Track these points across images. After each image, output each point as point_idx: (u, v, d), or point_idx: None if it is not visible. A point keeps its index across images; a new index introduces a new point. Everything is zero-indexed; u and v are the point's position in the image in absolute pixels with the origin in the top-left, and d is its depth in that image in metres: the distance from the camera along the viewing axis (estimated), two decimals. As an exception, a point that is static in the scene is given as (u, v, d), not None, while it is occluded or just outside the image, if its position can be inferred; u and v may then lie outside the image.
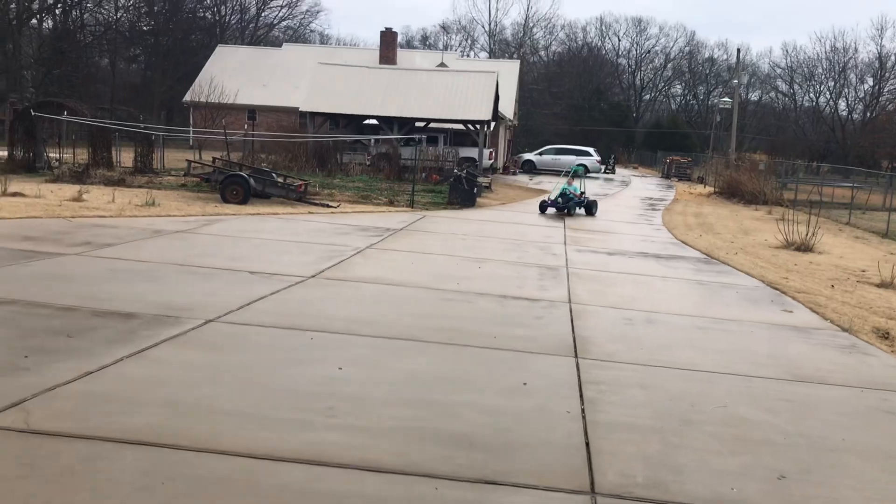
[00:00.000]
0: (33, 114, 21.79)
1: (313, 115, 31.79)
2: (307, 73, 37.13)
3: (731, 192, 32.44)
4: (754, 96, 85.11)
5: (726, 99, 50.90)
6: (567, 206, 20.76)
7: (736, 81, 50.74)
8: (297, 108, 34.04)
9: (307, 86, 34.31)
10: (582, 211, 21.17)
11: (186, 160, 20.74)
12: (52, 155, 22.81)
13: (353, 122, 33.29)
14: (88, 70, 54.84)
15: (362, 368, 6.17)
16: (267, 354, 6.38)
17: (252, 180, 17.89)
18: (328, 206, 18.30)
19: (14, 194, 15.67)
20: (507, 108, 43.70)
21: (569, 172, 23.06)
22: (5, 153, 22.01)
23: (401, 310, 8.34)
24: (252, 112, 44.19)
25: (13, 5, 47.64)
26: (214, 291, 8.51)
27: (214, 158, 21.42)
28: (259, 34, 74.87)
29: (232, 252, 11.25)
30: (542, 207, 20.98)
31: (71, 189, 17.06)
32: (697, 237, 17.81)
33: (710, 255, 14.85)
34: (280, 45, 57.05)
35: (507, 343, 7.23)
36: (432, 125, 32.91)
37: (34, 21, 53.11)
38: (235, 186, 17.62)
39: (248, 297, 8.28)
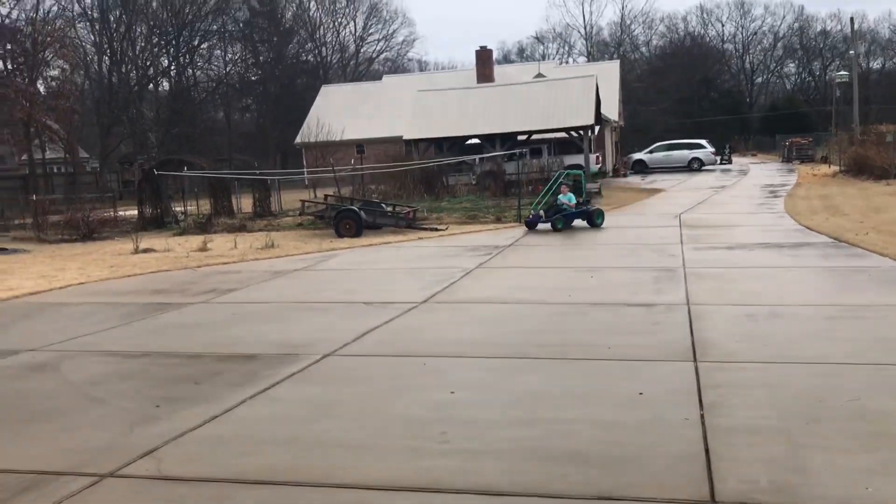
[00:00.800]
0: (156, 173, 23.19)
1: (417, 142, 32.30)
2: (408, 102, 37.75)
3: (859, 169, 30.75)
4: (876, 64, 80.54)
5: (843, 72, 48.38)
6: (551, 220, 17.47)
7: (853, 52, 48.11)
8: (402, 136, 34.63)
9: (408, 114, 34.92)
10: (584, 223, 17.78)
11: (300, 200, 21.52)
12: (177, 209, 24.16)
13: (456, 144, 33.59)
14: (205, 124, 57.96)
15: (474, 391, 6.19)
16: (381, 384, 6.50)
17: (363, 213, 18.37)
18: (436, 229, 18.53)
19: (145, 250, 16.70)
20: (611, 110, 43.03)
21: (567, 176, 19.69)
22: (136, 212, 23.50)
23: (512, 328, 8.32)
24: (360, 146, 45.20)
25: (133, 73, 50.93)
26: (331, 325, 8.76)
27: (326, 196, 22.09)
28: (360, 69, 76.99)
29: (347, 285, 11.55)
30: (530, 224, 17.87)
31: (196, 240, 18.00)
32: (823, 221, 16.94)
33: (839, 238, 14.10)
34: (380, 78, 58.33)
35: (621, 353, 7.08)
36: (535, 137, 32.81)
37: (151, 86, 56.56)
38: (348, 220, 18.14)
39: (363, 328, 8.46)
